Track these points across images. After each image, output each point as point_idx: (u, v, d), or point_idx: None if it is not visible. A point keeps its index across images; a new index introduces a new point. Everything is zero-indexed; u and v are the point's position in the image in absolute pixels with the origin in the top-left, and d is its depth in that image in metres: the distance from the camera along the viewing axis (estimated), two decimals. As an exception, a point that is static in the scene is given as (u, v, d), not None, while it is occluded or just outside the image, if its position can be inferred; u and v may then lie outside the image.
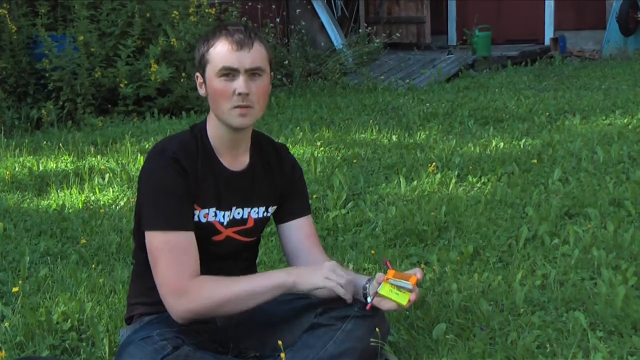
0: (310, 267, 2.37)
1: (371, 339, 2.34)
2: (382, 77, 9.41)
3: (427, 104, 7.52)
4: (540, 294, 2.93)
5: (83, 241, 3.75)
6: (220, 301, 2.29)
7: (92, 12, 7.59)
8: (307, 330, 2.37)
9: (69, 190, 4.69)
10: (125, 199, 4.48)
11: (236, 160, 2.45)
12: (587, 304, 2.80)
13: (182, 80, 7.61)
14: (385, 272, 2.33)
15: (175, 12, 7.87)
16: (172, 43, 7.65)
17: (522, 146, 5.42)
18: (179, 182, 2.32)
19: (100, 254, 3.63)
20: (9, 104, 7.19)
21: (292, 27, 10.53)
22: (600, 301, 2.78)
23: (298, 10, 10.69)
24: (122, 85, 7.31)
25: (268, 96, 2.42)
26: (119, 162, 5.35)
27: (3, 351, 2.53)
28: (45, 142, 6.10)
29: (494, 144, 5.52)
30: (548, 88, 8.43)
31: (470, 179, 4.63)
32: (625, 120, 6.14)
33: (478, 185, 4.54)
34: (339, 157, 5.31)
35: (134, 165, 5.25)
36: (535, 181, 4.55)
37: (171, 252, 2.28)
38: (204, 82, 2.38)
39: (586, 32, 11.59)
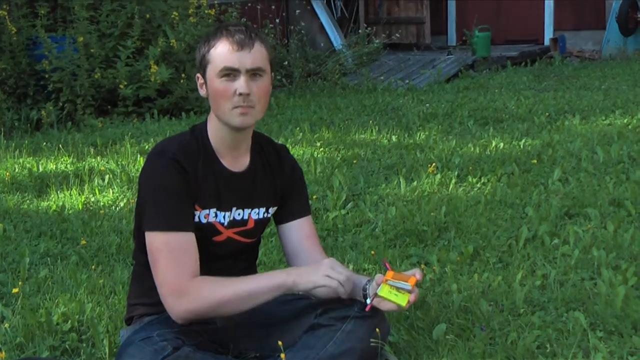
0: (310, 267, 2.37)
1: (371, 340, 2.34)
2: (382, 78, 9.41)
3: (427, 105, 7.52)
4: (540, 294, 2.93)
5: (83, 242, 3.75)
6: (220, 301, 2.29)
7: (91, 13, 7.58)
8: (307, 331, 2.37)
9: (69, 192, 4.69)
10: (125, 200, 4.48)
11: (237, 161, 2.45)
12: (587, 304, 2.80)
13: (181, 81, 7.61)
14: (384, 273, 2.33)
15: (174, 13, 7.86)
16: (171, 44, 7.65)
17: (522, 146, 5.42)
18: (179, 183, 2.32)
19: (100, 255, 3.63)
20: (9, 105, 7.19)
21: (292, 27, 10.54)
22: (600, 301, 2.78)
23: (298, 11, 10.69)
24: (121, 86, 7.31)
25: (269, 96, 2.42)
26: (118, 163, 5.35)
27: (3, 352, 2.53)
28: (45, 143, 6.10)
29: (493, 144, 5.52)
30: (548, 88, 8.43)
31: (470, 179, 4.63)
32: (625, 120, 6.14)
33: (478, 185, 4.54)
34: (338, 158, 5.31)
35: (133, 166, 5.25)
36: (535, 181, 4.55)
37: (171, 253, 2.28)
38: (205, 82, 2.38)
39: (586, 32, 11.59)
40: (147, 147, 5.81)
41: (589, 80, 8.89)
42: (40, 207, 4.41)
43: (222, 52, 2.31)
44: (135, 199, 2.51)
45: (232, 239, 2.46)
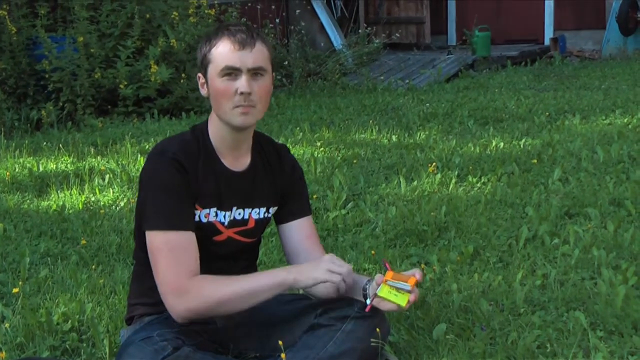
0: (310, 263, 2.37)
1: (371, 339, 2.34)
2: (382, 78, 9.41)
3: (427, 104, 7.52)
4: (541, 294, 2.93)
5: (83, 242, 3.75)
6: (220, 300, 2.29)
7: (91, 13, 7.58)
8: (307, 331, 2.37)
9: (69, 191, 4.69)
10: (125, 200, 4.48)
11: (237, 160, 2.45)
12: (587, 304, 2.80)
13: (181, 81, 7.61)
14: (384, 274, 2.33)
15: (174, 13, 7.87)
16: (171, 44, 7.65)
17: (522, 146, 5.42)
18: (179, 182, 2.32)
19: (100, 255, 3.63)
20: (9, 105, 7.19)
21: (292, 27, 10.54)
22: (601, 301, 2.78)
23: (298, 11, 10.69)
24: (121, 86, 7.31)
25: (270, 96, 2.42)
26: (119, 163, 5.35)
27: (3, 352, 2.53)
28: (45, 143, 6.10)
29: (493, 144, 5.52)
30: (548, 88, 8.43)
31: (470, 179, 4.63)
32: (625, 120, 6.14)
33: (478, 185, 4.54)
34: (339, 158, 5.31)
35: (134, 166, 5.25)
36: (535, 181, 4.55)
37: (171, 252, 2.28)
38: (206, 82, 2.38)
39: (586, 32, 11.59)
40: (147, 147, 5.81)
41: (589, 80, 8.89)
42: (40, 207, 4.41)
43: (223, 51, 2.32)
44: (136, 199, 2.51)
45: (233, 238, 2.46)
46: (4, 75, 7.37)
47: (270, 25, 9.89)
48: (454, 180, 4.58)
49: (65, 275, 3.33)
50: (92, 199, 4.55)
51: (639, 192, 4.09)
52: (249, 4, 9.93)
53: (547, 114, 6.65)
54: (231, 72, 2.31)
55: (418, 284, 2.35)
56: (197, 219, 2.37)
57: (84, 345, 2.65)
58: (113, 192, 4.66)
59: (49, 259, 3.59)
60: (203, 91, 2.41)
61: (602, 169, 4.67)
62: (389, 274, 2.31)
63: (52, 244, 3.78)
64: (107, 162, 5.40)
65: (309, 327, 2.38)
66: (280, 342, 2.32)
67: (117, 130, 6.71)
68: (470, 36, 10.89)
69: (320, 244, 2.59)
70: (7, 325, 2.75)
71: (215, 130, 2.41)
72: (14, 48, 7.42)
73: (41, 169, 5.29)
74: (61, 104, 7.27)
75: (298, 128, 6.48)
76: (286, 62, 9.54)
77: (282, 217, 2.57)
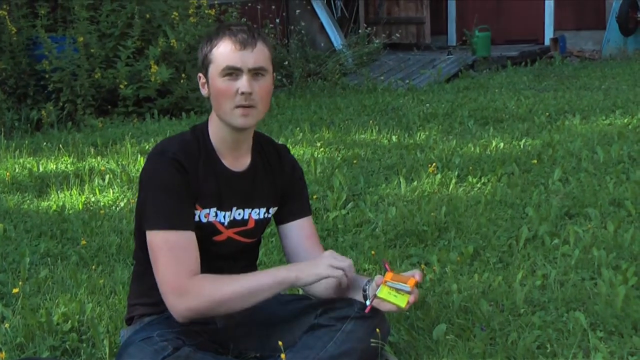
0: (310, 261, 2.38)
1: (371, 340, 2.34)
2: (382, 78, 9.41)
3: (427, 105, 7.52)
4: (541, 294, 2.93)
5: (83, 242, 3.75)
6: (221, 299, 2.28)
7: (91, 14, 7.59)
8: (307, 331, 2.37)
9: (69, 192, 4.69)
10: (125, 200, 4.48)
11: (237, 160, 2.45)
12: (587, 304, 2.80)
13: (182, 81, 7.61)
14: (384, 274, 2.33)
15: (175, 13, 7.87)
16: (172, 44, 7.65)
17: (522, 146, 5.42)
18: (179, 182, 2.32)
19: (100, 255, 3.63)
20: (9, 105, 7.19)
21: (292, 27, 10.54)
22: (601, 301, 2.78)
23: (298, 11, 10.69)
24: (122, 86, 7.32)
25: (270, 96, 2.42)
26: (119, 163, 5.35)
27: (3, 352, 2.53)
28: (45, 144, 6.10)
29: (494, 144, 5.52)
30: (548, 88, 8.43)
31: (470, 179, 4.63)
32: (625, 120, 6.14)
33: (478, 185, 4.54)
34: (339, 158, 5.31)
35: (134, 166, 5.25)
36: (535, 181, 4.55)
37: (170, 251, 2.28)
38: (207, 82, 2.38)
39: (586, 32, 11.59)
40: (147, 147, 5.81)
41: (589, 80, 8.89)
42: (40, 207, 4.41)
43: (224, 51, 2.32)
44: (136, 199, 2.51)
45: (233, 238, 2.46)
46: (4, 76, 7.37)
47: (270, 25, 9.89)
48: (454, 181, 4.58)
49: (65, 275, 3.33)
50: (92, 199, 4.55)
51: (639, 193, 4.09)
52: (249, 4, 9.93)
53: (547, 114, 6.65)
54: (232, 72, 2.31)
55: (418, 285, 2.35)
56: (197, 219, 2.37)
57: (84, 345, 2.65)
58: (113, 193, 4.66)
59: (49, 259, 3.59)
60: (204, 91, 2.41)
61: (602, 169, 4.67)
62: (389, 274, 2.31)
63: (52, 244, 3.78)
64: (107, 162, 5.40)
65: (309, 328, 2.38)
66: (280, 342, 2.32)
67: (117, 130, 6.71)
68: (470, 36, 10.89)
69: (320, 244, 2.59)
70: (7, 325, 2.75)
71: (216, 131, 2.41)
72: (14, 48, 7.42)
73: (41, 169, 5.29)
74: (61, 104, 7.28)
75: (298, 128, 6.48)
76: (286, 62, 9.54)
77: (282, 218, 2.57)
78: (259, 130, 2.56)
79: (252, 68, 2.31)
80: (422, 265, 3.33)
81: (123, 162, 5.36)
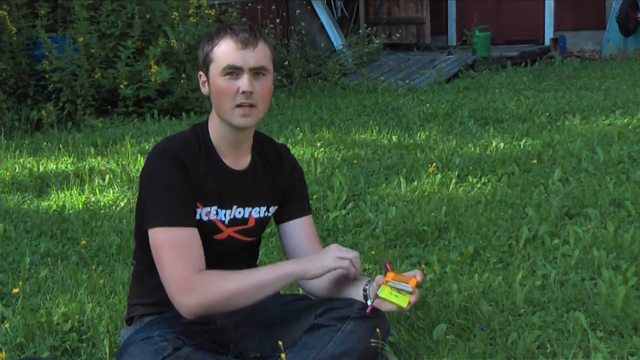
0: (316, 254, 2.37)
1: (371, 340, 2.34)
2: (382, 78, 9.41)
3: (427, 105, 7.52)
4: (541, 294, 2.93)
5: (83, 242, 3.75)
6: (228, 294, 2.28)
7: (92, 14, 7.59)
8: (308, 331, 2.37)
9: (69, 192, 4.69)
10: (125, 200, 4.48)
11: (238, 159, 2.45)
12: (587, 304, 2.80)
13: (182, 81, 7.61)
14: (384, 274, 2.33)
15: (175, 13, 7.87)
16: (172, 44, 7.65)
17: (522, 146, 5.42)
18: (180, 180, 2.32)
19: (100, 255, 3.63)
20: (9, 105, 7.19)
21: (292, 27, 10.54)
22: (601, 301, 2.78)
23: (298, 11, 10.69)
24: (122, 86, 7.32)
25: (271, 96, 2.42)
26: (119, 163, 5.35)
27: (3, 352, 2.53)
28: (45, 144, 6.10)
29: (494, 144, 5.53)
30: (548, 88, 8.43)
31: (470, 179, 4.63)
32: (625, 120, 6.14)
33: (478, 185, 4.55)
34: (339, 158, 5.32)
35: (134, 166, 5.25)
36: (536, 181, 4.55)
37: (174, 248, 2.28)
38: (208, 80, 2.38)
39: (586, 32, 11.59)
40: (147, 147, 5.81)
41: (589, 80, 8.89)
42: (40, 207, 4.41)
43: (225, 50, 2.32)
44: (136, 199, 2.51)
45: (233, 237, 2.46)
46: (4, 76, 7.38)
47: (271, 25, 9.89)
48: (454, 181, 4.59)
49: (65, 275, 3.33)
50: (92, 199, 4.56)
51: (639, 193, 4.09)
52: (249, 4, 9.93)
53: (547, 114, 6.65)
54: (233, 71, 2.31)
55: (419, 285, 2.35)
56: (197, 217, 2.37)
57: (84, 345, 2.65)
58: (113, 193, 4.66)
59: (49, 259, 3.59)
60: (204, 89, 2.41)
61: (602, 170, 4.67)
62: (390, 274, 2.31)
63: (52, 244, 3.78)
64: (107, 162, 5.41)
65: (309, 328, 2.37)
66: (280, 342, 2.32)
67: (117, 130, 6.71)
68: (470, 36, 10.89)
69: (320, 244, 2.59)
70: (7, 325, 2.75)
71: (216, 130, 2.41)
72: (14, 48, 7.42)
73: (41, 169, 5.29)
74: (61, 104, 7.28)
75: (298, 128, 6.48)
76: (286, 63, 9.54)
77: (282, 217, 2.57)
78: (259, 130, 2.56)
79: (253, 67, 2.31)
80: (422, 265, 3.33)
81: (123, 162, 5.36)
